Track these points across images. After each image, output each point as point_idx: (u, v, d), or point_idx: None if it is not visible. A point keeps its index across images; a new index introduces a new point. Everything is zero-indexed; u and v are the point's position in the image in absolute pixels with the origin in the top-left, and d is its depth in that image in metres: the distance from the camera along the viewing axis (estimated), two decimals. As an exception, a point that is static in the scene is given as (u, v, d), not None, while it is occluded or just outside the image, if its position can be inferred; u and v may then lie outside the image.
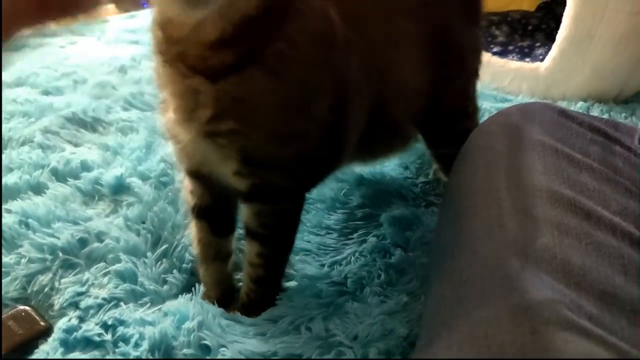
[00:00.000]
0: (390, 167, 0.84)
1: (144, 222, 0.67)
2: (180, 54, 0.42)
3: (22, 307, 0.54)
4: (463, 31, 0.66)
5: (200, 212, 0.55)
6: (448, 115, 0.68)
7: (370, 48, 0.55)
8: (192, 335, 0.48)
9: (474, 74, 0.72)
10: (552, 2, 1.45)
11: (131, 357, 0.47)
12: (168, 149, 0.85)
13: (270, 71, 0.43)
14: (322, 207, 0.73)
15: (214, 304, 0.54)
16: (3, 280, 0.56)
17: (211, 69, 0.41)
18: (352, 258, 0.62)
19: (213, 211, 0.55)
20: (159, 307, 0.54)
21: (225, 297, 0.58)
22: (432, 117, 0.66)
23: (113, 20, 1.73)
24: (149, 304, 0.55)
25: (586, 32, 0.98)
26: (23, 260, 0.59)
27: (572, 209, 0.40)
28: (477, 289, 0.36)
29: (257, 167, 0.48)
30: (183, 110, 0.45)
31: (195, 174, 0.53)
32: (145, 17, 1.78)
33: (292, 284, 0.58)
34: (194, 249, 0.58)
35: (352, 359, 0.47)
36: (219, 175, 0.51)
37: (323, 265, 0.62)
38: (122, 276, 0.57)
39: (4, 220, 0.64)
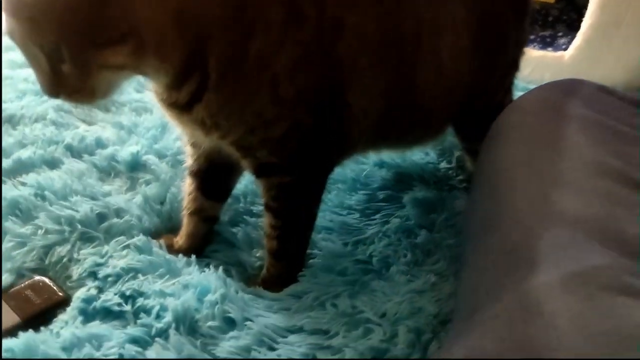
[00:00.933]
0: (410, 152, 0.82)
1: (162, 203, 0.66)
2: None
3: (39, 277, 0.52)
4: (510, 23, 0.64)
5: (194, 172, 0.59)
6: (486, 108, 0.65)
7: (390, 33, 0.53)
8: (215, 308, 0.47)
9: (516, 67, 0.70)
10: (572, -6, 1.43)
11: (153, 329, 0.46)
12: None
13: (219, 91, 0.46)
14: (343, 187, 0.71)
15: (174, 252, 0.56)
16: (20, 250, 0.55)
17: (179, 105, 0.48)
18: (376, 238, 0.61)
19: (206, 174, 0.58)
20: (177, 279, 0.53)
21: (191, 250, 0.59)
22: (469, 109, 0.64)
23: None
24: (167, 276, 0.53)
25: (613, 20, 0.96)
26: (40, 232, 0.57)
27: (621, 179, 0.38)
28: (524, 258, 0.34)
29: (248, 150, 0.51)
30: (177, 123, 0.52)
31: (194, 144, 0.57)
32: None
33: (316, 261, 0.57)
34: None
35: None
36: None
37: (347, 244, 0.60)
38: (140, 249, 0.56)
39: (18, 192, 0.63)
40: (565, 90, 0.50)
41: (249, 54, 0.45)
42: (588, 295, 0.29)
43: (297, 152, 0.52)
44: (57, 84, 0.41)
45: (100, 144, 0.77)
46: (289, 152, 0.51)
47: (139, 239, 0.57)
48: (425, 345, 0.45)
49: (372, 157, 0.78)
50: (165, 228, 0.63)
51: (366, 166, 0.76)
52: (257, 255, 0.59)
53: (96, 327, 0.46)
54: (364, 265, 0.56)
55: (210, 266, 0.54)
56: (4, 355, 0.43)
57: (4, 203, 0.60)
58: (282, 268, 0.55)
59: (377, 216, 0.66)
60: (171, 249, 0.58)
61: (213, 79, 0.45)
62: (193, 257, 0.56)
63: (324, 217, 0.64)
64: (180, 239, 0.60)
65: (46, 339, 0.44)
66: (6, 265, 0.53)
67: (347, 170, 0.73)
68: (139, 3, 0.40)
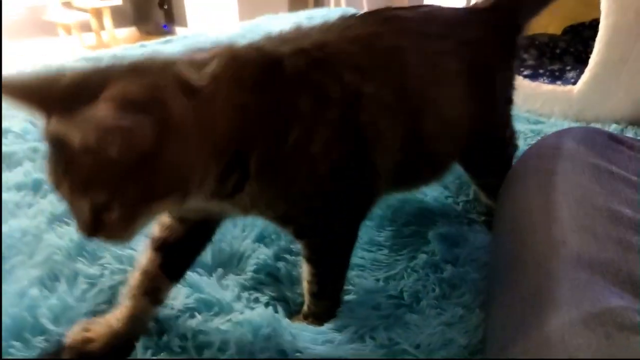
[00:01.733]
0: (430, 187, 0.87)
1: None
2: None
3: None
4: (501, 64, 0.70)
5: (158, 247, 0.56)
6: (488, 145, 0.71)
7: (399, 94, 0.58)
8: (269, 341, 0.52)
9: (510, 102, 0.75)
10: (578, 26, 1.49)
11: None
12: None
13: (261, 179, 0.49)
14: (371, 224, 0.76)
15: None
16: (92, 292, 0.61)
17: (221, 195, 0.49)
18: (405, 273, 0.66)
19: (172, 249, 0.56)
20: (230, 316, 0.58)
21: (124, 338, 0.53)
22: (472, 148, 0.69)
23: (150, 45, 1.81)
24: (220, 314, 0.58)
25: (619, 57, 1.02)
26: (106, 272, 0.63)
27: (632, 226, 0.43)
28: (548, 299, 0.39)
29: (288, 220, 0.55)
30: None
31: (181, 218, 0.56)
32: (180, 42, 1.86)
33: (351, 297, 0.62)
34: (130, 278, 0.57)
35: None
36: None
37: (378, 280, 0.65)
38: (195, 287, 0.61)
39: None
40: (579, 139, 0.56)
41: (288, 145, 0.49)
42: (606, 333, 0.34)
43: (334, 214, 0.56)
44: (97, 228, 0.41)
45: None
46: (327, 216, 0.56)
47: (191, 277, 0.62)
48: (458, 374, 0.50)
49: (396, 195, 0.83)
50: (211, 259, 0.68)
51: (391, 203, 0.81)
52: (298, 292, 0.64)
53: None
54: (396, 300, 0.61)
55: (259, 302, 0.60)
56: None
57: (72, 244, 0.67)
58: (323, 306, 0.59)
59: (405, 251, 0.71)
60: (85, 347, 0.52)
61: (254, 171, 0.48)
62: (243, 294, 0.61)
63: (355, 255, 0.69)
64: (116, 322, 0.54)
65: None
66: (81, 308, 0.59)
67: (375, 208, 0.78)
68: (184, 160, 0.42)
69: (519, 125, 1.08)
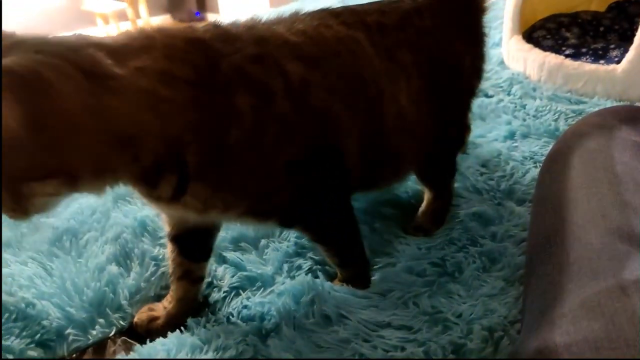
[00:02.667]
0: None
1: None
2: None
3: None
4: (462, 54, 0.67)
5: (173, 238, 0.60)
6: (444, 143, 0.70)
7: (352, 82, 0.57)
8: (312, 307, 0.56)
9: (473, 94, 0.73)
10: (624, 2, 1.45)
11: (263, 329, 0.55)
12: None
13: (204, 179, 0.48)
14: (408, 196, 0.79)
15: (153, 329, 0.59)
16: (156, 274, 0.66)
17: (165, 198, 0.48)
18: (445, 245, 0.69)
19: (185, 238, 0.59)
20: (272, 288, 0.62)
21: (182, 315, 0.60)
22: (432, 145, 0.67)
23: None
24: (262, 288, 0.63)
25: (665, 34, 0.99)
26: (166, 253, 0.68)
27: (672, 201, 0.44)
28: (586, 268, 0.42)
29: (261, 216, 0.54)
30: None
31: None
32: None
33: (396, 262, 0.65)
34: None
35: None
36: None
37: (420, 248, 0.68)
38: (238, 266, 0.66)
39: (145, 212, 0.75)
40: (621, 117, 0.57)
41: (231, 145, 0.47)
42: (642, 298, 0.36)
43: (312, 201, 0.55)
44: None
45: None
46: (304, 204, 0.55)
47: (231, 254, 0.67)
48: (497, 341, 0.53)
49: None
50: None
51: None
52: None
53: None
54: (439, 268, 0.64)
55: (301, 269, 0.64)
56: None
57: (136, 223, 0.73)
58: (352, 272, 0.63)
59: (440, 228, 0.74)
60: (150, 325, 0.59)
61: (193, 172, 0.46)
62: (285, 265, 0.66)
63: (396, 223, 0.73)
64: (169, 304, 0.61)
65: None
66: (149, 290, 0.64)
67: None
68: (65, 144, 0.40)
69: (560, 105, 1.08)
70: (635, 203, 0.45)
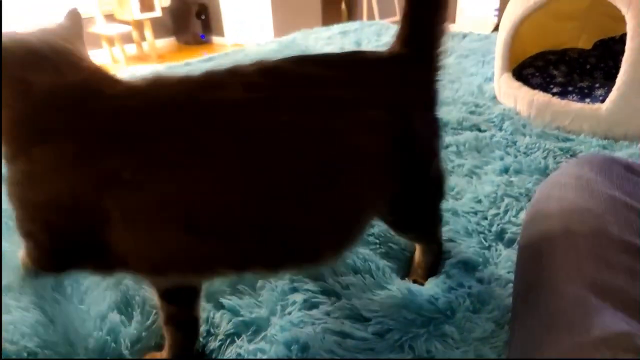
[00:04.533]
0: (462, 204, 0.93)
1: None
2: None
3: None
4: (422, 120, 0.60)
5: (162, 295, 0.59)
6: (415, 201, 0.65)
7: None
8: (306, 354, 0.59)
9: (436, 156, 0.65)
10: (609, 40, 1.51)
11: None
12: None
13: None
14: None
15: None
16: (157, 322, 0.67)
17: None
18: (434, 285, 0.71)
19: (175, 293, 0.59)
20: (264, 334, 0.64)
21: None
22: (399, 206, 0.63)
23: (193, 63, 1.92)
24: (257, 333, 0.65)
25: (646, 77, 1.04)
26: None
27: (642, 256, 0.48)
28: (563, 321, 0.45)
29: None
30: None
31: None
32: (220, 60, 1.97)
33: (397, 294, 0.69)
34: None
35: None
36: None
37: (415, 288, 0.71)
38: (233, 311, 0.68)
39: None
40: (598, 170, 0.60)
41: None
42: (612, 356, 0.39)
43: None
44: None
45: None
46: None
47: (231, 300, 0.69)
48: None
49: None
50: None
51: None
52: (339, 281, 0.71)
53: None
54: (434, 306, 0.67)
55: (295, 303, 0.67)
56: None
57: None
58: None
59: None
60: None
61: None
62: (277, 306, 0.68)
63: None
64: (165, 352, 0.61)
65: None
66: (150, 339, 0.65)
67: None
68: None
69: (548, 143, 1.12)
70: (607, 258, 0.49)
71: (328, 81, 0.52)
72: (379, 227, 0.84)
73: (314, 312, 0.68)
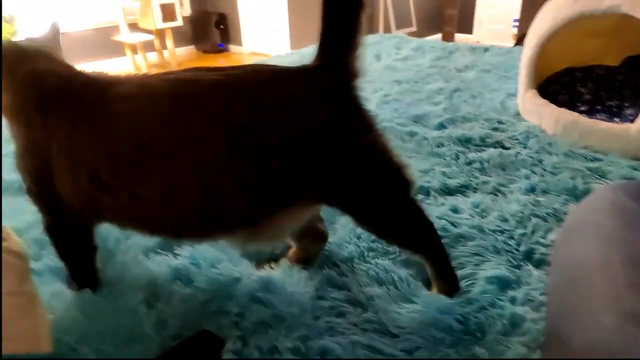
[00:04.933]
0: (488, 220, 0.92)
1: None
2: None
3: (202, 330, 0.67)
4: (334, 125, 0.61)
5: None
6: (369, 198, 0.66)
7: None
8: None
9: (371, 151, 0.64)
10: (638, 57, 1.49)
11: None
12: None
13: None
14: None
15: None
16: (184, 306, 0.71)
17: None
18: (466, 303, 0.70)
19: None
20: (297, 334, 0.66)
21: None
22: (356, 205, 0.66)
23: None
24: (289, 328, 0.67)
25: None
26: (198, 293, 0.73)
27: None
28: (602, 351, 0.44)
29: None
30: None
31: None
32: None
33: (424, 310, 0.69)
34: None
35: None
36: None
37: (446, 304, 0.70)
38: (267, 304, 0.71)
39: (177, 262, 0.80)
40: (633, 196, 0.60)
41: None
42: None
43: None
44: None
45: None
46: None
47: (264, 295, 0.72)
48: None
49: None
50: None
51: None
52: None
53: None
54: (464, 326, 0.66)
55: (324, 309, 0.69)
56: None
57: (168, 270, 0.78)
58: None
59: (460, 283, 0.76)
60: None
61: None
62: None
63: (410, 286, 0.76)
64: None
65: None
66: (174, 321, 0.69)
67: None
68: None
69: (576, 163, 1.11)
70: (648, 285, 0.48)
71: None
72: None
73: (341, 320, 0.69)
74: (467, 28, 5.29)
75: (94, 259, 0.74)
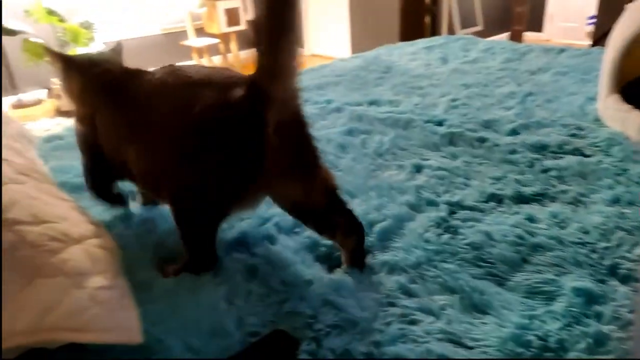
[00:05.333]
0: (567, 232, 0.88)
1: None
2: None
3: (278, 329, 0.69)
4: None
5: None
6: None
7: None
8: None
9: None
10: None
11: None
12: (358, 209, 0.99)
13: None
14: (504, 268, 0.80)
15: None
16: (260, 304, 0.74)
17: None
18: (549, 318, 0.68)
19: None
20: (371, 339, 0.67)
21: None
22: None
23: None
24: (362, 333, 0.68)
25: None
26: (271, 293, 0.76)
27: None
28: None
29: None
30: None
31: None
32: (307, 75, 2.02)
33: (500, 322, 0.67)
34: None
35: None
36: None
37: (523, 317, 0.68)
38: (340, 307, 0.72)
39: (255, 260, 0.83)
40: None
41: None
42: None
43: None
44: None
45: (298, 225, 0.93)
46: None
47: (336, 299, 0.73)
48: None
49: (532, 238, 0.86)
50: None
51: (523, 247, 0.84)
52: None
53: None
54: (543, 342, 0.64)
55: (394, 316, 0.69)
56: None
57: (244, 268, 0.81)
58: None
59: (539, 297, 0.73)
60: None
61: None
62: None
63: (489, 291, 0.74)
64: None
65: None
66: (252, 319, 0.71)
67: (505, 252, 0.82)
68: None
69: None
70: None
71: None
72: (465, 238, 0.85)
73: (414, 328, 0.69)
74: (537, 26, 5.06)
75: (113, 188, 0.98)
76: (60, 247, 0.57)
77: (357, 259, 0.82)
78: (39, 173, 0.75)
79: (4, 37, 3.39)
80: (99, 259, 0.62)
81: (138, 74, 0.86)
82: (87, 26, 3.73)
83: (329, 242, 0.87)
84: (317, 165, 0.76)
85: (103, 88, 0.87)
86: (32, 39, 3.45)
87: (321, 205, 0.79)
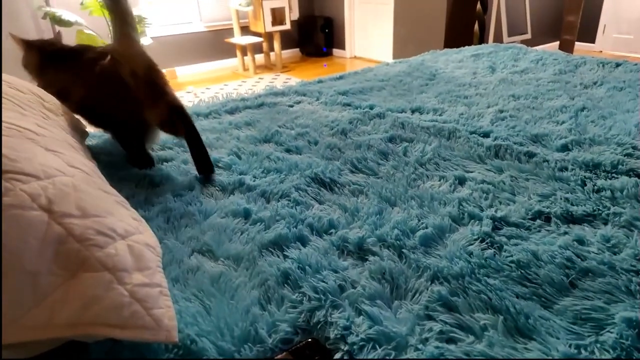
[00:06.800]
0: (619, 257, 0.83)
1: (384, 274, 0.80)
2: None
3: (311, 339, 0.68)
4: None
5: None
6: None
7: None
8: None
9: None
10: None
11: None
12: (398, 217, 0.97)
13: None
14: (551, 290, 0.76)
15: None
16: (293, 311, 0.72)
17: None
18: (595, 348, 0.64)
19: None
20: (405, 356, 0.64)
21: None
22: None
23: (325, 80, 1.98)
24: (397, 349, 0.65)
25: None
26: (305, 299, 0.75)
27: None
28: None
29: None
30: None
31: None
32: (351, 79, 2.01)
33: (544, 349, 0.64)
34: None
35: None
36: None
37: (570, 346, 0.65)
38: (374, 319, 0.70)
39: (285, 264, 0.82)
40: None
41: None
42: None
43: None
44: None
45: (332, 224, 0.94)
46: None
47: (368, 308, 0.71)
48: None
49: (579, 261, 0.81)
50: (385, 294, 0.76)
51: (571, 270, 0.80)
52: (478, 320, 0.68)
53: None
54: None
55: (432, 331, 0.66)
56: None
57: (278, 272, 0.80)
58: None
59: (588, 325, 0.69)
60: None
61: None
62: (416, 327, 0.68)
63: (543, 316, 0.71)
64: None
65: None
66: (283, 325, 0.70)
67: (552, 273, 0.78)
68: None
69: None
70: None
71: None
72: (510, 255, 0.82)
73: (453, 347, 0.66)
74: (589, 36, 4.86)
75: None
76: (106, 242, 0.58)
77: (201, 164, 1.16)
78: (87, 166, 0.77)
79: (60, 28, 3.54)
80: (141, 256, 0.62)
81: (82, 48, 1.21)
82: (139, 20, 3.86)
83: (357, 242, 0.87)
84: (164, 92, 1.11)
85: (60, 58, 1.19)
86: (86, 31, 3.59)
87: (170, 119, 1.13)
